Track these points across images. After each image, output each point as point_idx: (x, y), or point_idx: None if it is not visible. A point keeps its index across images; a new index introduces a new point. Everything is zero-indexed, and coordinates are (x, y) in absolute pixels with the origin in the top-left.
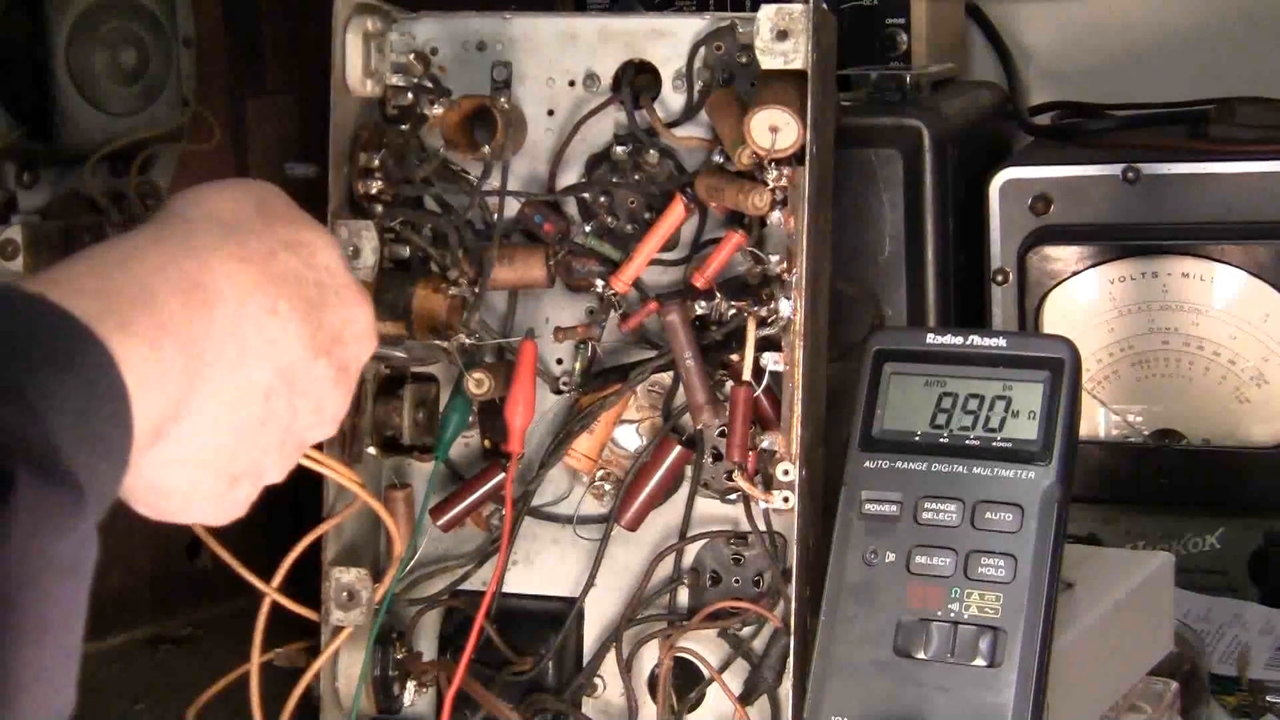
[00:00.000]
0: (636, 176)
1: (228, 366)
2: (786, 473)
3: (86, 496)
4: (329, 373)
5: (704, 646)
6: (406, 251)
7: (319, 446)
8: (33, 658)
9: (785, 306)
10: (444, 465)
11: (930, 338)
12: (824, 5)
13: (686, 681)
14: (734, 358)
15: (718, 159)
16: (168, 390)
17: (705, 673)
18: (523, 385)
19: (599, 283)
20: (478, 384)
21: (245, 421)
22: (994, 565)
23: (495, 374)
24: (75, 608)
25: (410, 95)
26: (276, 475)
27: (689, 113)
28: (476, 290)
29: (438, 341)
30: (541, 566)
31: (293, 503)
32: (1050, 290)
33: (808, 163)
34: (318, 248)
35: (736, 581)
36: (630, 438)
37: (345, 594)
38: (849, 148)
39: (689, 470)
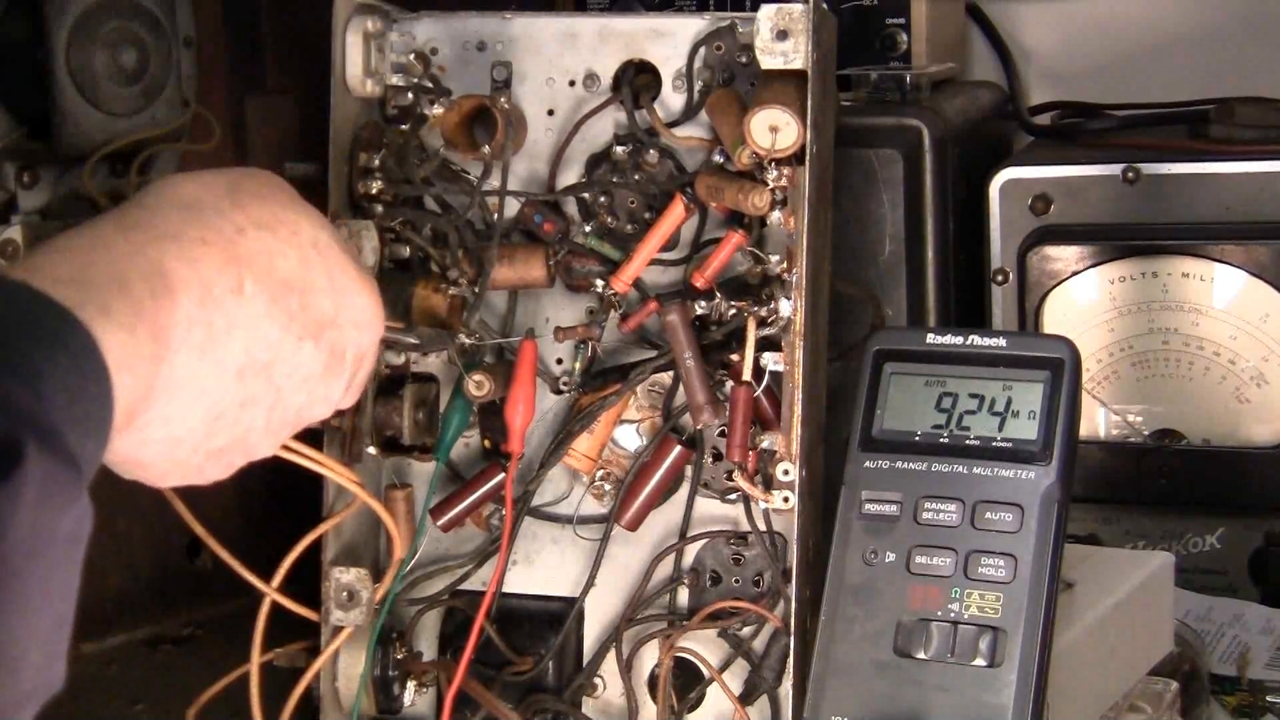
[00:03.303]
0: (636, 176)
1: (195, 350)
2: (786, 473)
3: (83, 471)
4: (318, 356)
5: (704, 646)
6: (406, 251)
7: (319, 446)
8: (36, 626)
9: (785, 306)
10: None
11: (930, 338)
12: (824, 5)
13: (686, 681)
14: (734, 358)
15: (718, 159)
16: (139, 374)
17: (705, 673)
18: (523, 385)
19: (599, 283)
20: (478, 386)
21: (220, 402)
22: (994, 565)
23: (495, 375)
24: (73, 579)
25: (410, 95)
26: (267, 450)
27: (689, 113)
28: (476, 290)
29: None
30: (541, 566)
31: (293, 503)
32: (1050, 290)
33: (808, 162)
34: (301, 226)
35: (736, 581)
36: (630, 438)
37: (345, 594)
38: (849, 148)
39: (689, 470)
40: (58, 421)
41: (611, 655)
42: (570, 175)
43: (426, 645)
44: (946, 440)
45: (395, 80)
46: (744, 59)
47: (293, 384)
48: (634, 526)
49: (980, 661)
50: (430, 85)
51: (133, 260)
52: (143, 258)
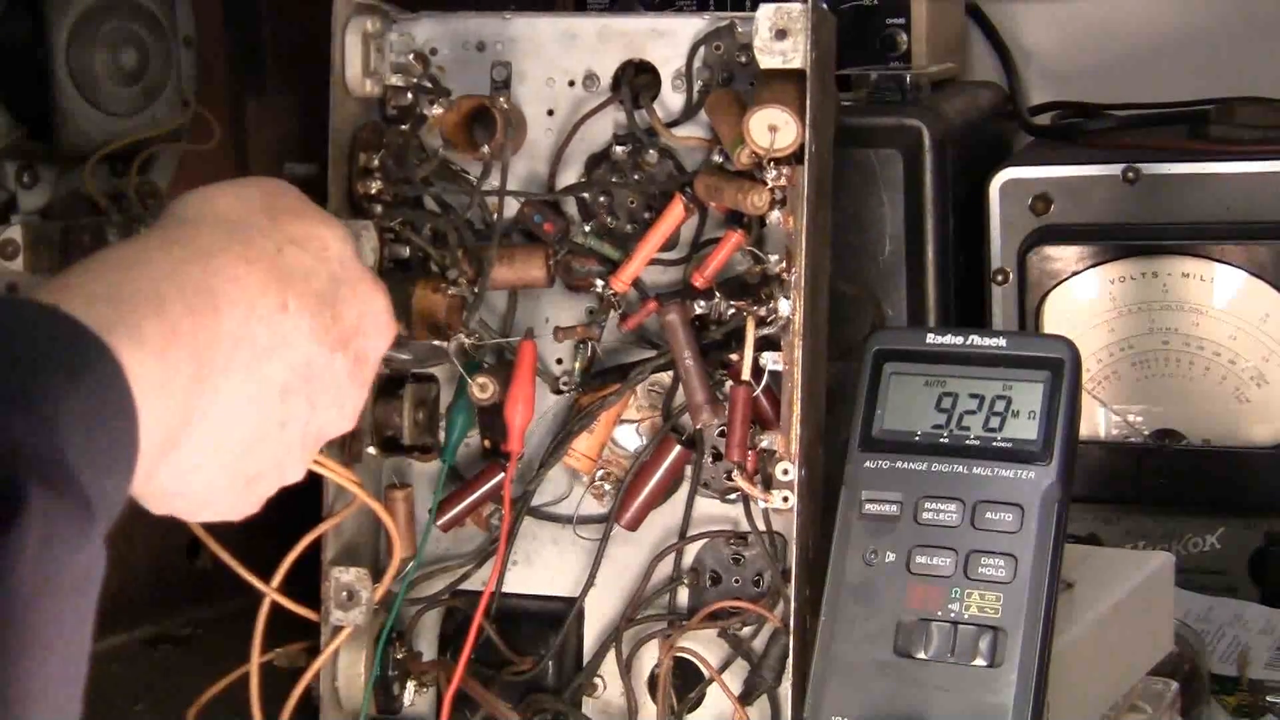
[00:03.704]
0: (636, 176)
1: (241, 370)
2: (786, 472)
3: (95, 512)
4: (346, 365)
5: (704, 646)
6: (406, 251)
7: None
8: (41, 671)
9: (785, 306)
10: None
11: (930, 338)
12: (823, 5)
13: (686, 681)
14: (733, 357)
15: (717, 158)
16: (176, 397)
17: (705, 673)
18: (522, 385)
19: (599, 282)
20: (481, 389)
21: (263, 423)
22: (994, 565)
23: (498, 377)
24: (83, 621)
25: (410, 95)
26: (296, 474)
27: (688, 112)
28: (476, 290)
29: (439, 343)
30: (541, 566)
31: (293, 503)
32: (1050, 290)
33: (806, 162)
34: (328, 240)
35: (736, 581)
36: (630, 437)
37: (345, 594)
38: (849, 148)
39: (689, 470)
40: (71, 459)
41: (611, 655)
42: (570, 175)
43: (426, 645)
44: (946, 440)
45: (395, 80)
46: (743, 59)
47: (326, 399)
48: (634, 526)
49: (980, 661)
50: (430, 85)
51: (172, 279)
52: (183, 275)
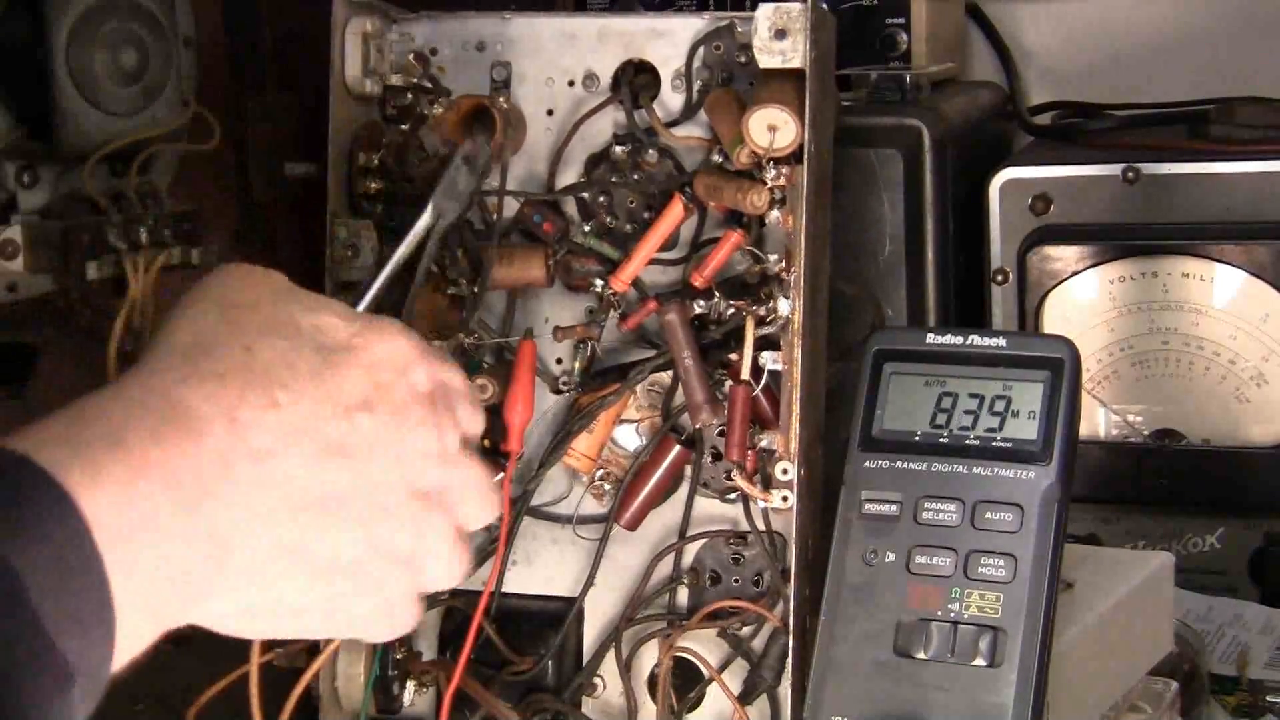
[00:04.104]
0: (636, 176)
1: (247, 483)
2: (785, 472)
3: (74, 675)
4: (384, 418)
5: (704, 646)
6: None
7: None
8: None
9: (784, 305)
10: None
11: (930, 338)
12: (823, 4)
13: (686, 681)
14: (733, 357)
15: (717, 158)
16: (164, 531)
17: (705, 672)
18: (522, 384)
19: (598, 282)
20: (481, 390)
21: (306, 525)
22: (994, 565)
23: (497, 377)
24: None
25: (409, 95)
26: (419, 544)
27: (688, 112)
28: (476, 290)
29: (438, 343)
30: (541, 566)
31: None
32: (1050, 290)
33: (806, 161)
34: (295, 315)
35: (736, 581)
36: (630, 437)
37: None
38: (849, 148)
39: (688, 470)
40: (47, 626)
41: (611, 655)
42: (569, 175)
43: (426, 645)
44: (946, 440)
45: (394, 80)
46: (743, 58)
47: (379, 462)
48: (633, 526)
49: (980, 661)
50: (429, 85)
51: (132, 417)
52: (145, 411)
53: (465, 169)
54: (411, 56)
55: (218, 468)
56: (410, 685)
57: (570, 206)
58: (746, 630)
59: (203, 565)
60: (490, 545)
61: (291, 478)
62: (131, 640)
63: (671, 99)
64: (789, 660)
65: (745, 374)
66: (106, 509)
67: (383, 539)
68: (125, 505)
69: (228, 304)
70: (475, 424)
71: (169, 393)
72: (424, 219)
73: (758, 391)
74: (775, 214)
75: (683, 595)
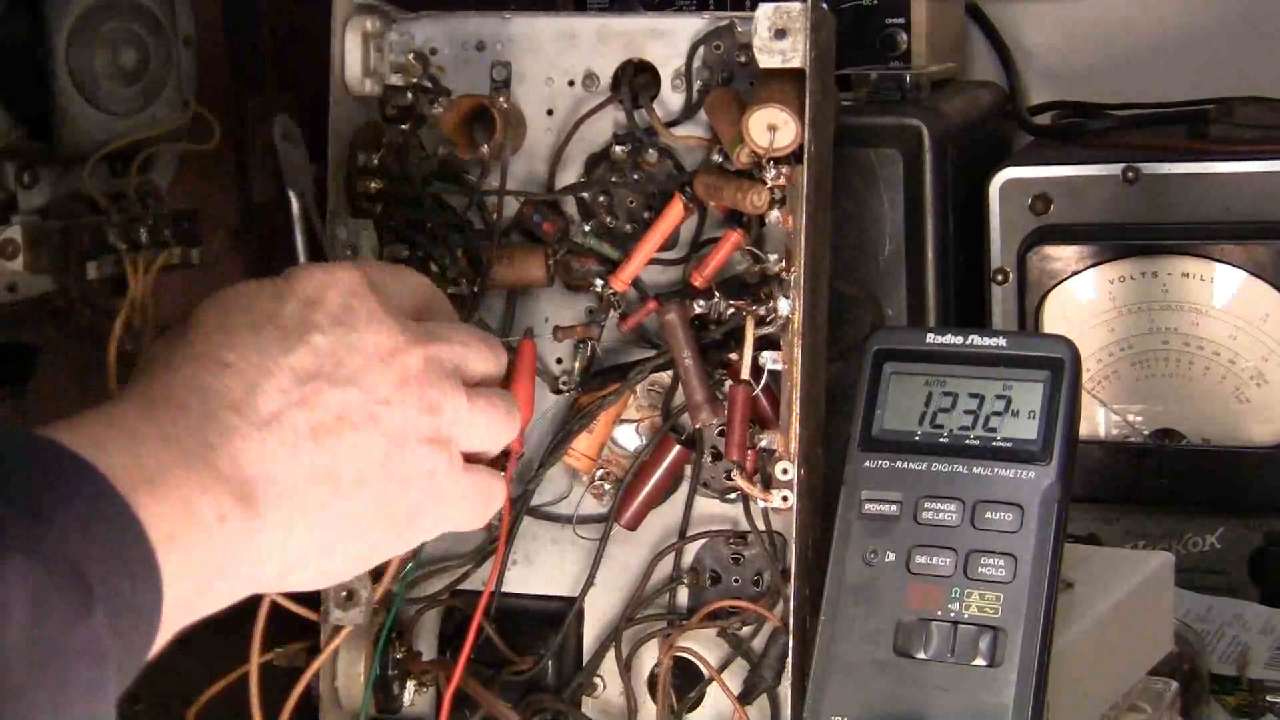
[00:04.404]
0: (636, 176)
1: (315, 508)
2: (785, 472)
3: (93, 594)
4: (414, 366)
5: (704, 646)
6: (406, 251)
7: None
8: None
9: (784, 305)
10: None
11: (930, 337)
12: (823, 4)
13: (686, 681)
14: (733, 357)
15: (717, 158)
16: (204, 522)
17: (705, 672)
18: (522, 384)
19: (598, 282)
20: None
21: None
22: (994, 565)
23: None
24: (97, 702)
25: (409, 95)
26: (452, 463)
27: (688, 112)
28: (476, 290)
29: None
30: (541, 566)
31: None
32: (1050, 290)
33: (806, 161)
34: (316, 305)
35: (736, 581)
36: (630, 437)
37: (344, 593)
38: (849, 148)
39: (688, 470)
40: (54, 539)
41: (611, 655)
42: (569, 175)
43: (426, 645)
44: (946, 440)
45: (394, 80)
46: (743, 58)
47: (403, 411)
48: (633, 526)
49: (980, 661)
50: (429, 85)
51: (203, 491)
52: (206, 483)
53: (288, 144)
54: (411, 56)
55: (286, 524)
56: (410, 685)
57: (570, 206)
58: (746, 630)
59: (239, 523)
60: (490, 545)
61: (337, 507)
62: (171, 624)
63: (671, 99)
64: (789, 660)
65: (745, 374)
66: (155, 507)
67: (399, 430)
68: (180, 505)
69: (259, 327)
70: (484, 363)
71: (227, 459)
72: (294, 207)
73: (758, 391)
74: (775, 214)
75: (683, 595)
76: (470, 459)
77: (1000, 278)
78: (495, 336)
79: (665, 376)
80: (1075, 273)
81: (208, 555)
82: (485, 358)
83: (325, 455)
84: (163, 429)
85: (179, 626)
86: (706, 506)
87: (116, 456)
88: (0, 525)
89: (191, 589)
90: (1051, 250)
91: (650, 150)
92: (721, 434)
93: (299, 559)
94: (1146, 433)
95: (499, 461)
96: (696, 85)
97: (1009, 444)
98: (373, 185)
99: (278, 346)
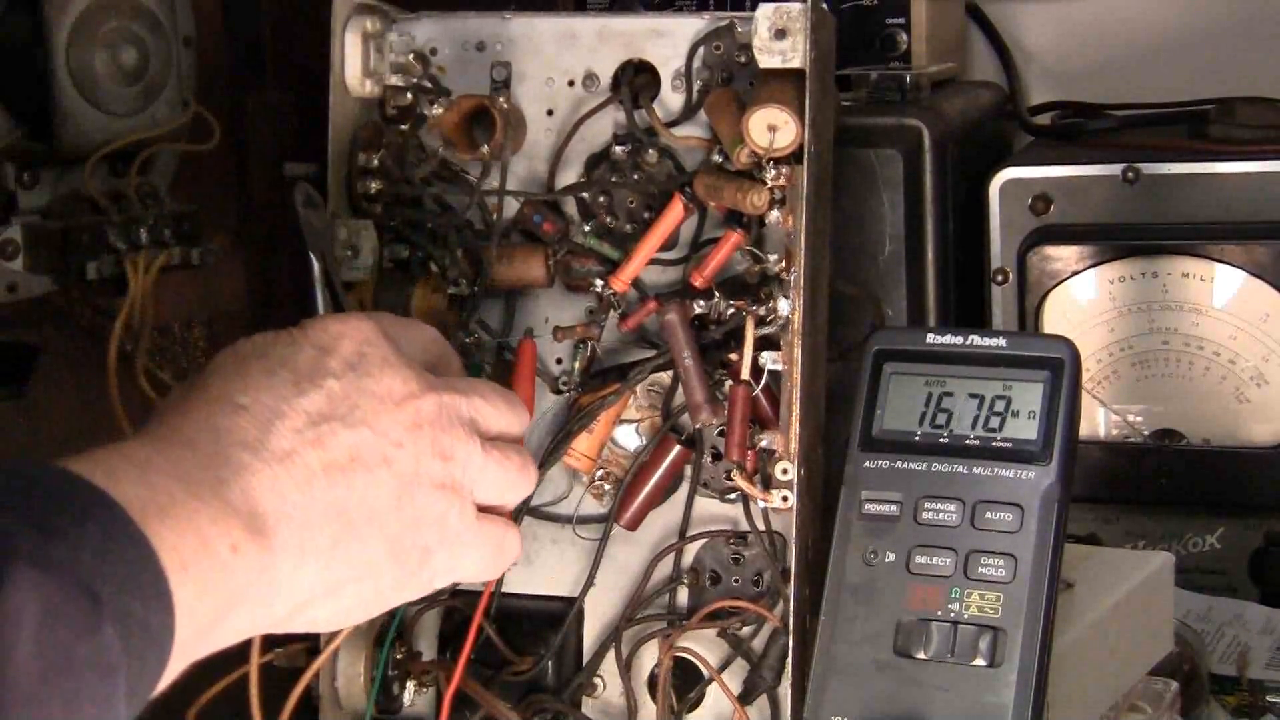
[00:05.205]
0: (636, 176)
1: (327, 544)
2: (785, 472)
3: (102, 607)
4: (431, 408)
5: (704, 646)
6: (406, 252)
7: None
8: None
9: (784, 305)
10: None
11: (930, 338)
12: (823, 4)
13: (686, 681)
14: (733, 357)
15: (717, 158)
16: (218, 554)
17: (705, 672)
18: (522, 384)
19: (598, 282)
20: None
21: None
22: (994, 565)
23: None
24: (108, 714)
25: (409, 95)
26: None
27: (688, 112)
28: (476, 290)
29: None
30: (541, 566)
31: None
32: (1050, 290)
33: (806, 161)
34: (330, 352)
35: (736, 581)
36: (630, 437)
37: None
38: (849, 148)
39: (688, 470)
40: (63, 552)
41: (611, 655)
42: (569, 175)
43: (426, 645)
44: (946, 440)
45: (394, 80)
46: (743, 58)
47: (415, 455)
48: (633, 526)
49: (980, 661)
50: (429, 85)
51: (215, 534)
52: (221, 528)
53: (308, 209)
54: (411, 56)
55: (295, 553)
56: (410, 685)
57: (570, 206)
58: (746, 630)
59: (255, 561)
60: None
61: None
62: (185, 653)
63: (671, 99)
64: (789, 660)
65: (745, 374)
66: (168, 535)
67: (411, 476)
68: (192, 535)
69: (268, 373)
70: (500, 418)
71: (234, 500)
72: (315, 270)
73: (758, 391)
74: (775, 214)
75: (683, 595)
76: (485, 509)
77: (1000, 278)
78: (515, 395)
79: (665, 376)
80: (1075, 273)
81: (220, 585)
82: (501, 411)
83: (338, 492)
84: (175, 464)
85: (194, 657)
86: (706, 506)
87: (129, 487)
88: (12, 540)
89: (205, 618)
90: (1051, 250)
91: (650, 150)
92: (721, 434)
93: (310, 595)
94: (1146, 433)
95: (516, 516)
96: (696, 85)
97: (1009, 444)
98: (373, 185)
99: (292, 390)
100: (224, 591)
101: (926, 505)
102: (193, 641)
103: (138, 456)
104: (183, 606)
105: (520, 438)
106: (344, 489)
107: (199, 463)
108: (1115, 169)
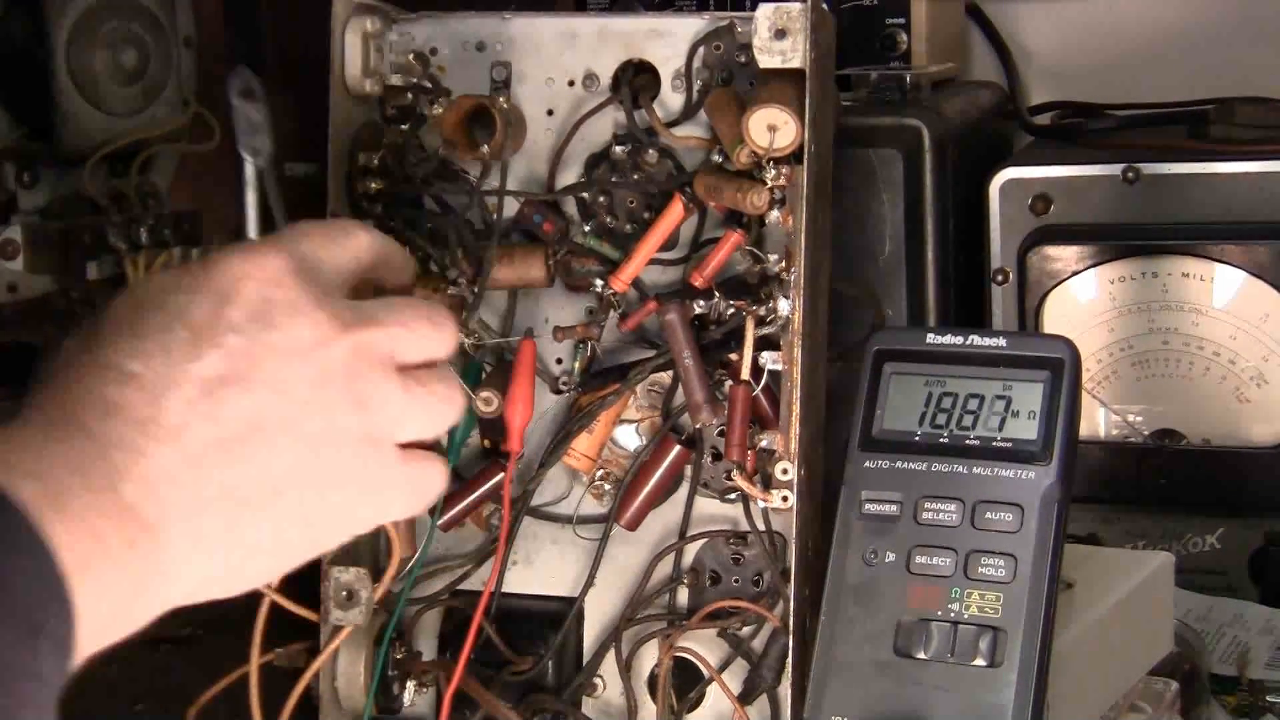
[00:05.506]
0: (636, 176)
1: (223, 528)
2: (785, 472)
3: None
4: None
5: (704, 646)
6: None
7: None
8: None
9: (784, 305)
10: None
11: (930, 338)
12: (823, 4)
13: (686, 681)
14: (733, 357)
15: (717, 158)
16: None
17: (705, 672)
18: (522, 384)
19: (598, 282)
20: (486, 403)
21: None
22: (994, 565)
23: (499, 386)
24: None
25: (409, 95)
26: (368, 475)
27: (688, 112)
28: (476, 290)
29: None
30: (541, 566)
31: None
32: (1050, 290)
33: (806, 161)
34: (230, 300)
35: (736, 581)
36: (630, 437)
37: (345, 593)
38: (849, 148)
39: (688, 470)
40: None
41: (611, 655)
42: (569, 175)
43: (426, 645)
44: (946, 440)
45: (394, 80)
46: (743, 58)
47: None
48: (633, 526)
49: (980, 661)
50: (429, 85)
51: (106, 529)
52: (109, 518)
53: (243, 100)
54: (411, 56)
55: (182, 543)
56: (410, 685)
57: (570, 206)
58: (746, 630)
59: (146, 545)
60: (490, 545)
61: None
62: (87, 649)
63: (671, 99)
64: (789, 660)
65: (745, 374)
66: (65, 536)
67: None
68: (88, 535)
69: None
70: (424, 344)
71: (128, 493)
72: (248, 169)
73: (758, 391)
74: (775, 214)
75: (683, 595)
76: (409, 445)
77: (1000, 278)
78: (442, 307)
79: (665, 376)
80: (1075, 273)
81: (118, 582)
82: (426, 336)
83: (234, 470)
84: (68, 450)
85: (96, 649)
86: (706, 506)
87: (25, 481)
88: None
89: (108, 612)
90: (1051, 250)
91: (650, 150)
92: (721, 434)
93: (213, 574)
94: (1146, 433)
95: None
96: (696, 85)
97: (1009, 444)
98: (373, 185)
99: (187, 350)
100: (123, 587)
101: (926, 505)
102: (97, 635)
103: (33, 443)
104: (85, 608)
105: (446, 359)
106: (241, 465)
107: (92, 449)
108: (1115, 169)
